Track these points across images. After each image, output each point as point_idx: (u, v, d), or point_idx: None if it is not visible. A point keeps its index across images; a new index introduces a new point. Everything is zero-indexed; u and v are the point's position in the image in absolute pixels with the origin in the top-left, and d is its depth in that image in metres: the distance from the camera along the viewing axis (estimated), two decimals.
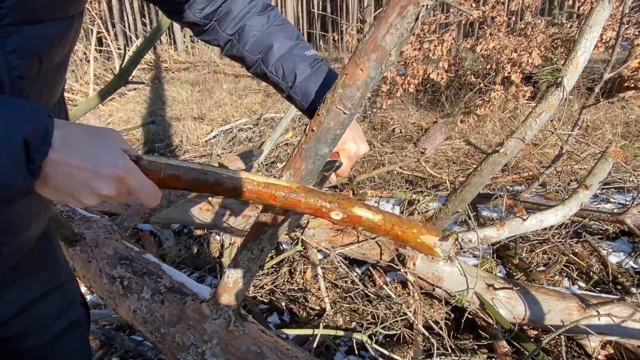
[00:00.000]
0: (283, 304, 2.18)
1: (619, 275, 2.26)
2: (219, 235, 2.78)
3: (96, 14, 9.35)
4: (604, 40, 4.99)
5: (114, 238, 1.62)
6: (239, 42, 0.92)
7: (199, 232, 2.87)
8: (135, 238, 2.81)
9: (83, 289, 1.64)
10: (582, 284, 2.23)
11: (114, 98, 7.48)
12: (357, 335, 1.69)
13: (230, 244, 2.57)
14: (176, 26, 16.07)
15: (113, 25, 18.17)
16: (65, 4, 0.61)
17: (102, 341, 1.88)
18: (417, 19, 0.60)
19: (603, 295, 1.88)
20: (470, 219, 1.99)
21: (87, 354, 1.04)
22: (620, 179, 3.24)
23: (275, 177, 0.76)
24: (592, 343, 1.76)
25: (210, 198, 2.61)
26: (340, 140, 0.79)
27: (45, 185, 0.51)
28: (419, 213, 2.65)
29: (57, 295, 0.94)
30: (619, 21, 4.46)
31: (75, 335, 0.99)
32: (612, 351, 1.78)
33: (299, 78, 0.89)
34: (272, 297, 2.23)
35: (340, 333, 1.74)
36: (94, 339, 1.90)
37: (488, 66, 5.12)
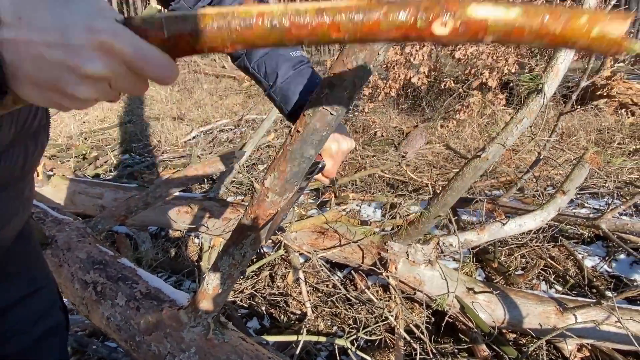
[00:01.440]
0: (263, 308, 2.14)
1: (594, 279, 2.31)
2: (198, 237, 2.72)
3: None
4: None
5: (87, 241, 1.56)
6: None
7: (176, 234, 2.80)
8: (111, 241, 2.73)
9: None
10: (559, 288, 2.27)
11: None
12: (339, 341, 1.68)
13: (209, 247, 2.52)
14: None
15: None
16: None
17: (74, 348, 1.81)
18: None
19: (579, 298, 1.91)
20: (451, 223, 2.00)
21: None
22: (594, 184, 3.33)
23: (258, 179, 0.74)
24: (569, 346, 1.79)
25: (189, 201, 2.55)
26: None
27: (18, 81, 0.37)
28: (400, 217, 2.66)
29: (35, 300, 0.89)
30: None
31: (55, 341, 0.94)
32: (588, 354, 1.81)
33: (279, 79, 0.88)
34: (252, 302, 2.19)
35: (322, 339, 1.72)
36: None
37: (466, 71, 5.21)
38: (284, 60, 0.87)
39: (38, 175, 2.72)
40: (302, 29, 0.40)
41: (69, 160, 4.27)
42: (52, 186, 2.81)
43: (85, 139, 5.26)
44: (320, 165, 0.88)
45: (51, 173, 2.89)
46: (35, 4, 0.36)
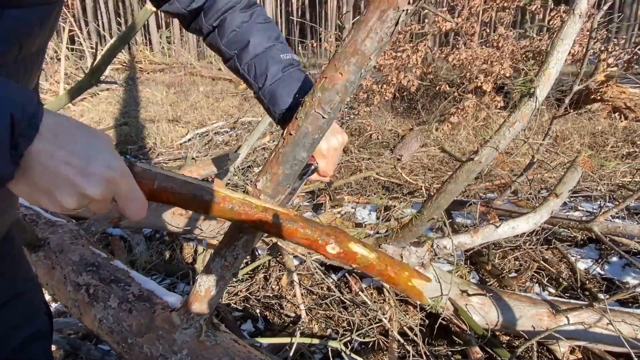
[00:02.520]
0: (258, 311, 2.14)
1: (587, 282, 2.32)
2: (193, 240, 2.71)
3: (69, 12, 9.08)
4: (572, 54, 5.19)
5: (80, 243, 1.55)
6: (218, 35, 0.91)
7: (171, 237, 2.80)
8: (105, 243, 2.71)
9: (47, 297, 1.56)
10: (552, 290, 2.28)
11: (85, 98, 7.26)
12: (332, 343, 1.68)
13: (204, 249, 2.51)
14: (152, 26, 15.79)
15: (86, 24, 17.69)
16: None
17: (67, 351, 1.80)
18: (397, 23, 0.59)
19: (572, 301, 1.93)
20: (445, 225, 2.01)
21: None
22: (587, 187, 3.35)
23: (252, 182, 0.74)
24: (562, 348, 1.80)
25: None
26: None
27: (21, 178, 0.44)
28: (394, 219, 2.67)
29: (18, 305, 0.88)
30: (587, 36, 4.64)
31: (38, 347, 0.93)
32: (580, 356, 1.82)
33: (268, 81, 0.88)
34: (247, 304, 2.19)
35: (316, 341, 1.72)
36: (58, 348, 1.81)
37: (462, 75, 5.24)
38: (274, 62, 0.88)
39: None
40: (249, 217, 0.63)
41: None
42: None
43: None
44: (312, 167, 0.88)
45: None
46: (71, 130, 0.46)
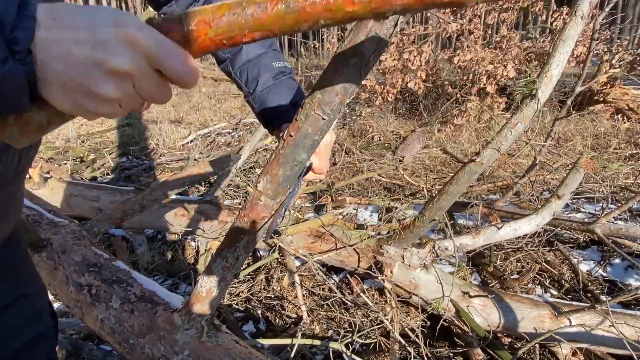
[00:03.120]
0: (259, 312, 2.14)
1: (589, 283, 2.32)
2: (194, 241, 2.72)
3: None
4: (574, 55, 5.17)
5: (82, 244, 1.56)
6: None
7: (173, 237, 2.80)
8: (107, 244, 2.72)
9: (49, 297, 1.57)
10: (554, 292, 2.27)
11: None
12: (334, 345, 1.68)
13: (205, 250, 2.52)
14: None
15: None
16: None
17: (69, 351, 1.80)
18: (396, 25, 0.59)
19: (574, 303, 1.92)
20: (447, 226, 2.01)
21: None
22: (590, 189, 3.34)
23: (254, 183, 0.75)
24: (564, 350, 1.79)
25: (185, 204, 2.56)
26: None
27: (47, 82, 0.38)
28: (396, 220, 2.66)
29: (22, 306, 0.88)
30: (589, 37, 4.63)
31: (42, 349, 0.93)
32: (582, 358, 1.82)
33: (259, 87, 0.90)
34: (248, 305, 2.19)
35: (317, 342, 1.72)
36: (60, 348, 1.81)
37: (465, 77, 5.23)
38: (266, 69, 0.89)
39: (31, 178, 2.72)
40: (316, 6, 0.40)
41: (66, 163, 4.27)
42: (48, 189, 2.81)
43: (83, 141, 5.26)
44: (306, 166, 0.89)
45: (48, 176, 2.89)
46: (68, 8, 0.39)
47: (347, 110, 6.10)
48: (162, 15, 0.43)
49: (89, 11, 0.39)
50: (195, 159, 4.42)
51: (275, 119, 0.90)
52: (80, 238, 1.61)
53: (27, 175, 2.11)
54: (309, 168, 0.90)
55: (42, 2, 0.38)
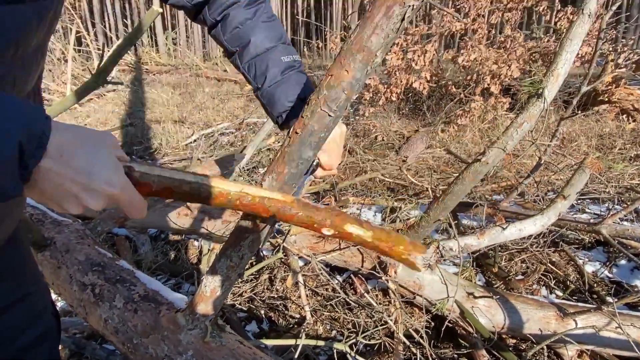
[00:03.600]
0: (262, 312, 2.13)
1: (595, 285, 2.30)
2: (198, 240, 2.72)
3: (76, 14, 9.15)
4: (579, 55, 5.14)
5: (86, 243, 1.55)
6: (221, 30, 0.92)
7: (176, 237, 2.80)
8: (110, 243, 2.72)
9: (53, 296, 1.57)
10: (560, 293, 2.25)
11: (92, 99, 7.31)
12: (337, 345, 1.67)
13: (209, 250, 2.51)
14: (158, 28, 15.88)
15: (93, 25, 17.81)
16: None
17: (72, 350, 1.80)
18: (403, 19, 0.58)
19: (580, 304, 1.90)
20: (451, 227, 2.00)
21: None
22: (595, 189, 3.32)
23: (258, 182, 0.74)
24: (570, 352, 1.78)
25: (189, 203, 2.55)
26: None
27: (30, 189, 0.48)
28: (400, 220, 2.65)
29: (23, 306, 0.87)
30: (594, 37, 4.60)
31: (44, 349, 0.92)
32: None
33: (267, 82, 0.89)
34: (251, 305, 2.18)
35: (321, 343, 1.71)
36: (63, 347, 1.81)
37: (468, 77, 5.21)
38: (274, 64, 0.88)
39: None
40: (246, 206, 0.65)
41: None
42: None
43: None
44: (313, 164, 0.87)
45: None
46: (76, 149, 0.49)
47: (350, 110, 6.09)
48: (139, 171, 0.57)
49: (91, 156, 0.50)
50: (198, 159, 4.42)
51: (284, 114, 0.89)
52: (84, 237, 1.61)
53: None
54: (317, 165, 0.88)
55: (54, 127, 0.47)
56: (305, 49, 14.68)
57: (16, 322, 0.86)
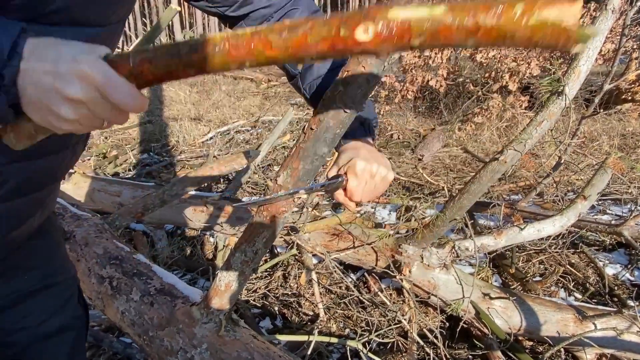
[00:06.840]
0: (276, 308, 2.15)
1: (616, 287, 2.24)
2: (213, 236, 2.74)
3: None
4: (602, 53, 5.01)
5: (104, 237, 1.58)
6: (300, 79, 0.93)
7: (192, 233, 2.83)
8: (128, 238, 2.77)
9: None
10: (578, 295, 2.21)
11: None
12: (351, 343, 1.66)
13: (224, 245, 2.54)
14: (176, 27, 16.06)
15: None
16: (109, 9, 0.64)
17: (90, 342, 1.84)
18: None
19: (599, 307, 1.86)
20: (467, 226, 1.97)
21: (80, 358, 0.99)
22: (617, 190, 3.24)
23: (272, 179, 0.74)
24: (588, 355, 1.74)
25: (205, 199, 2.58)
26: (347, 157, 0.76)
27: (24, 102, 0.48)
28: (415, 219, 2.63)
29: (50, 294, 0.90)
30: (617, 34, 4.48)
31: (68, 337, 0.94)
32: None
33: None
34: (265, 302, 2.20)
35: (334, 340, 1.71)
36: None
37: (487, 75, 5.13)
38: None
39: None
40: (240, 50, 0.46)
41: (89, 159, 4.36)
42: (72, 183, 2.87)
43: (106, 138, 5.37)
44: (339, 180, 0.77)
45: (72, 171, 2.96)
46: (46, 44, 0.47)
47: None
48: (114, 54, 0.50)
49: (60, 47, 0.48)
50: (214, 156, 4.47)
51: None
52: (102, 231, 1.64)
53: None
54: (342, 182, 0.77)
55: (33, 37, 0.47)
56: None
57: (44, 308, 0.88)
